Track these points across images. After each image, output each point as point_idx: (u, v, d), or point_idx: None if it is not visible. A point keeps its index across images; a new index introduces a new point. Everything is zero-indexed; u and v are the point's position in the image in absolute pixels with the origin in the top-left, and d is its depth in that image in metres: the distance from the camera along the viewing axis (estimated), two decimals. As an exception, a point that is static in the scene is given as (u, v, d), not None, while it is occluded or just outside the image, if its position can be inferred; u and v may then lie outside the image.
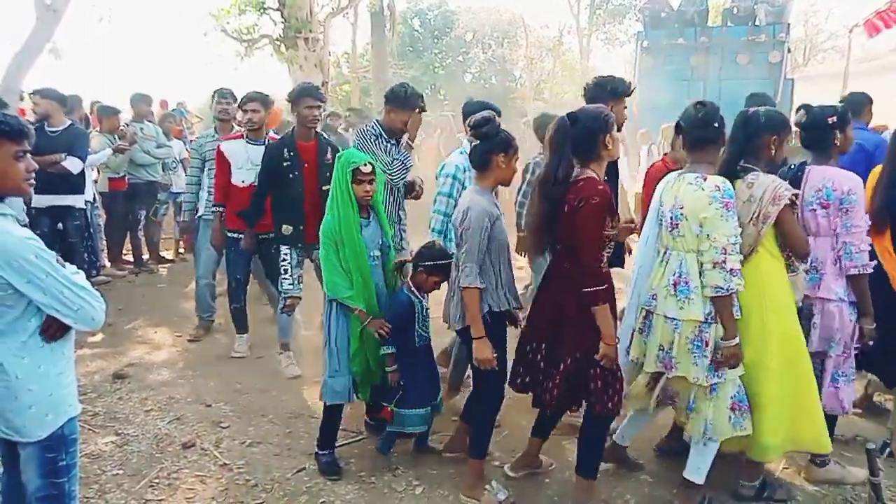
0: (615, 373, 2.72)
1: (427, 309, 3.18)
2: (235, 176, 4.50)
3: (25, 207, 4.93)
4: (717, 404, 2.68)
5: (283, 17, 13.54)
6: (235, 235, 4.51)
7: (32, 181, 1.93)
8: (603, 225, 2.59)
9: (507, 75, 24.43)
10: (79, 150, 5.54)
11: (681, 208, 2.64)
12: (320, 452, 3.21)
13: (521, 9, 26.05)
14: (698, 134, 2.71)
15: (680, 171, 2.81)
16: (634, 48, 12.31)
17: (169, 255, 7.80)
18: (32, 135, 1.95)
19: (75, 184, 5.59)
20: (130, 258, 7.24)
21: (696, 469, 2.81)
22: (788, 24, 10.94)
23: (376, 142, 3.73)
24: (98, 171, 6.74)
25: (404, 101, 3.72)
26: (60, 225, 5.57)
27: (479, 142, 2.85)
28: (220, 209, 4.53)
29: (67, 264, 1.94)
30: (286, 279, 4.17)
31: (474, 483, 2.99)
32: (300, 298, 4.27)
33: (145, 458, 3.29)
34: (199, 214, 5.04)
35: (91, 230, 6.00)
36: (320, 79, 13.61)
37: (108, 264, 6.98)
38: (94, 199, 6.44)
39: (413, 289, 3.13)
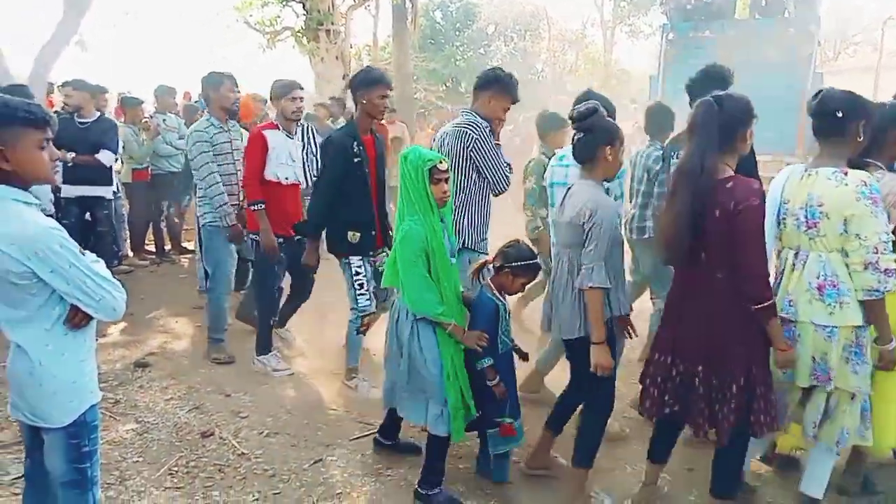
0: (772, 386, 2.50)
1: (509, 312, 3.00)
2: (278, 171, 4.10)
3: (53, 197, 5.00)
4: (853, 412, 2.57)
5: (305, 9, 13.59)
6: (280, 241, 4.11)
7: (57, 169, 1.93)
8: (763, 230, 2.39)
9: (528, 68, 24.25)
10: (110, 142, 5.67)
11: (819, 206, 2.45)
12: (432, 493, 2.84)
13: (543, 1, 25.79)
14: (818, 125, 2.56)
15: (805, 166, 2.62)
16: (659, 41, 12.10)
17: (190, 245, 7.86)
18: (56, 123, 1.96)
19: (105, 175, 5.70)
20: (152, 248, 7.31)
21: (819, 483, 2.70)
22: (819, 17, 10.67)
23: (490, 137, 3.49)
24: (122, 162, 6.82)
25: (509, 87, 3.46)
26: (88, 215, 5.67)
27: (582, 134, 2.72)
28: (261, 206, 4.02)
29: (87, 252, 1.95)
30: (363, 295, 3.77)
31: (576, 493, 2.89)
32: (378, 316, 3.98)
33: (165, 446, 3.32)
34: (205, 222, 4.39)
35: (114, 220, 6.09)
36: (341, 71, 13.65)
37: (130, 254, 7.07)
38: (118, 189, 6.52)
39: (495, 291, 2.91)
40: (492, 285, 2.92)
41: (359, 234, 3.70)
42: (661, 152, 4.06)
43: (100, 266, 1.95)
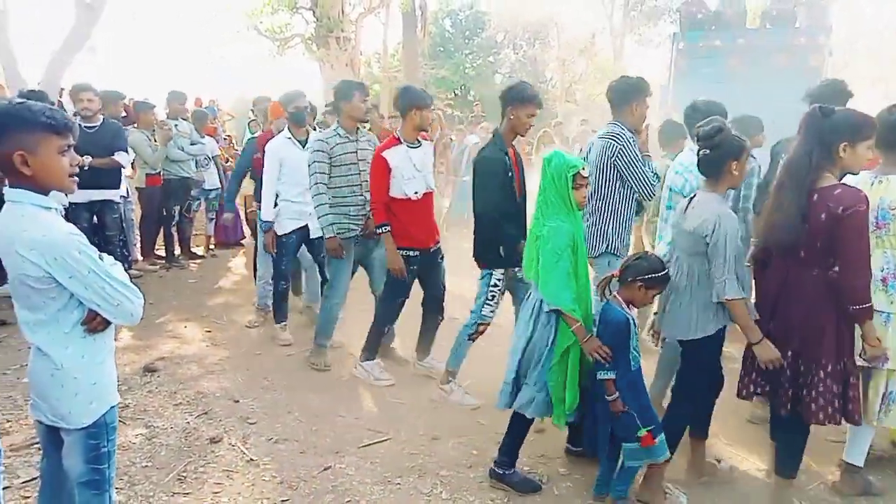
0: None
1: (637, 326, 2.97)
2: (405, 188, 3.99)
3: (66, 204, 5.02)
4: None
5: (315, 16, 13.68)
6: (412, 254, 4.07)
7: (76, 176, 1.94)
8: (868, 235, 2.60)
9: (538, 76, 24.26)
10: (123, 143, 5.73)
11: (892, 209, 2.76)
12: (507, 472, 3.01)
13: (553, 9, 25.79)
14: (886, 137, 2.80)
15: (874, 174, 2.88)
16: (670, 50, 12.09)
17: (200, 251, 7.89)
18: (77, 130, 1.97)
19: (114, 178, 5.74)
20: (161, 253, 7.33)
21: (860, 452, 2.97)
22: (830, 27, 10.64)
23: (635, 147, 3.66)
24: (134, 167, 6.86)
25: (648, 92, 3.74)
26: (96, 219, 5.70)
27: (709, 150, 2.80)
28: (387, 229, 3.99)
29: (105, 255, 1.96)
30: (490, 306, 3.84)
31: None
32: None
33: (174, 451, 3.31)
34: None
35: (124, 224, 6.12)
36: (351, 78, 13.68)
37: (140, 259, 7.10)
38: (128, 193, 6.55)
39: (623, 305, 2.85)
40: (619, 299, 2.87)
41: (506, 247, 3.69)
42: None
43: (118, 270, 1.96)
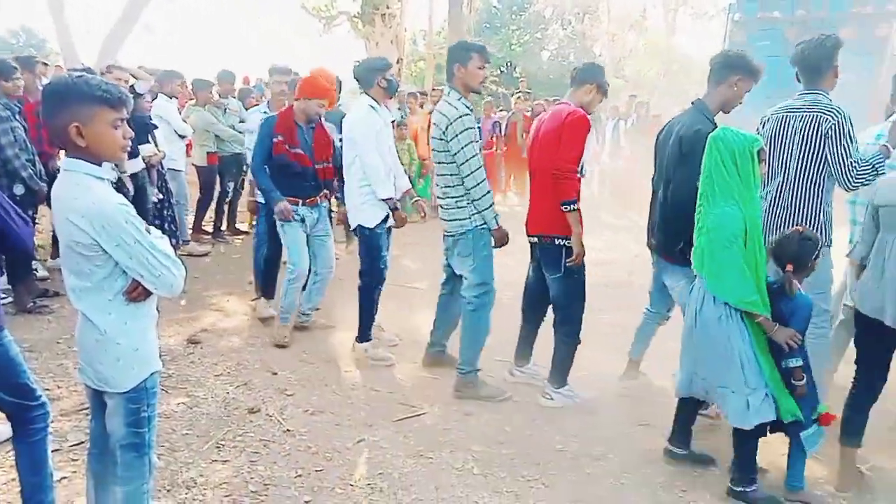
0: None
1: None
2: (584, 163, 3.61)
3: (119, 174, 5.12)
4: None
5: (361, -7, 13.63)
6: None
7: (127, 149, 1.99)
8: None
9: (586, 52, 23.75)
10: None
11: None
12: (749, 490, 2.79)
13: (603, -17, 25.12)
14: None
15: None
16: (725, 22, 11.63)
17: (244, 227, 8.03)
18: (131, 103, 2.02)
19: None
20: (208, 229, 7.49)
21: None
22: (899, -5, 10.04)
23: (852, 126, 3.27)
24: (192, 145, 6.98)
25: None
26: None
27: None
28: (577, 206, 3.46)
29: (153, 229, 2.00)
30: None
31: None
32: None
33: (213, 420, 3.39)
34: (474, 225, 3.64)
35: (171, 200, 6.25)
36: (395, 55, 13.66)
37: (189, 238, 7.18)
38: (184, 168, 6.70)
39: (800, 287, 2.74)
40: (798, 285, 2.73)
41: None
42: None
43: (163, 243, 2.00)
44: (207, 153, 6.95)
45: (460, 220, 3.65)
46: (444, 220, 3.74)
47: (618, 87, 20.34)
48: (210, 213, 7.46)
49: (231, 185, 7.32)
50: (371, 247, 4.17)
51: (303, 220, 4.42)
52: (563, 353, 3.69)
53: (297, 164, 4.30)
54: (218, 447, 3.14)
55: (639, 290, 5.79)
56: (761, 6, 10.74)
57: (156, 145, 5.93)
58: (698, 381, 2.90)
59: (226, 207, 7.47)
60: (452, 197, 3.64)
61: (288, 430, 3.31)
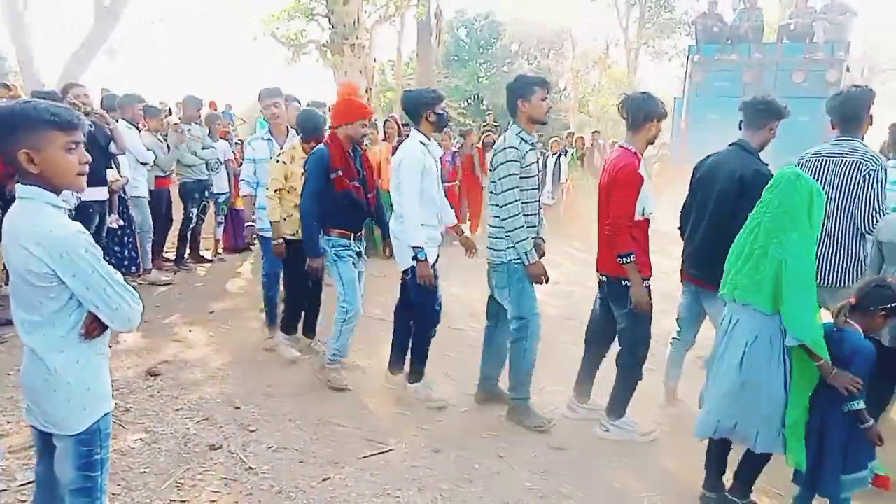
0: None
1: None
2: (646, 205, 3.49)
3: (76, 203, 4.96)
4: None
5: (330, 23, 13.73)
6: (647, 284, 3.58)
7: (85, 174, 1.91)
8: None
9: (552, 87, 24.28)
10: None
11: None
12: (743, 502, 2.93)
13: (568, 21, 25.83)
14: None
15: None
16: (685, 63, 12.04)
17: (208, 254, 7.89)
18: (84, 126, 1.94)
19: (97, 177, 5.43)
20: (170, 256, 7.33)
21: None
22: (848, 43, 10.55)
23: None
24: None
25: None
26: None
27: None
28: (632, 258, 3.45)
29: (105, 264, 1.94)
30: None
31: None
32: None
33: (173, 457, 3.28)
34: (508, 258, 3.65)
35: (132, 227, 6.12)
36: (364, 85, 13.73)
37: (150, 266, 6.98)
38: (149, 195, 6.56)
39: (861, 332, 2.71)
40: (856, 326, 2.71)
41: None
42: None
43: (119, 276, 1.93)
44: (156, 177, 6.83)
45: (497, 251, 3.70)
46: (487, 248, 3.79)
47: (582, 122, 20.79)
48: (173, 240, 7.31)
49: (194, 211, 7.20)
50: (426, 286, 3.89)
51: (358, 255, 4.22)
52: (623, 386, 3.69)
53: (358, 197, 4.12)
54: (177, 486, 3.03)
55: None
56: (720, 49, 11.16)
57: (118, 171, 5.83)
58: (725, 419, 2.85)
59: (189, 234, 7.33)
60: (495, 227, 3.70)
61: (250, 467, 3.22)
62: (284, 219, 4.45)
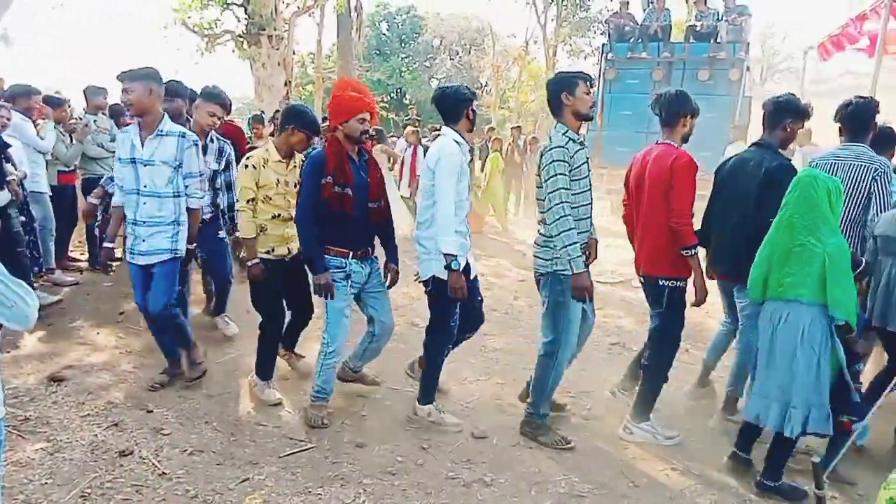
0: None
1: None
2: None
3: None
4: None
5: (246, 13, 13.36)
6: (681, 283, 3.70)
7: None
8: None
9: (473, 82, 24.53)
10: None
11: None
12: (777, 484, 3.19)
13: (489, 17, 26.12)
14: None
15: None
16: (599, 60, 12.43)
17: (118, 253, 7.49)
18: None
19: None
20: (76, 256, 6.93)
21: None
22: (748, 43, 11.18)
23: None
24: (46, 165, 6.44)
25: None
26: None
27: None
28: (696, 251, 3.55)
29: None
30: None
31: None
32: None
33: (78, 466, 3.10)
34: (554, 269, 3.44)
35: (34, 225, 5.73)
36: (283, 78, 13.43)
37: (53, 266, 6.59)
38: (51, 191, 6.15)
39: None
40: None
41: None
42: None
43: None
44: (59, 172, 6.42)
45: (542, 259, 3.50)
46: (534, 255, 3.60)
47: (503, 117, 21.09)
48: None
49: (100, 208, 6.80)
50: (445, 300, 3.58)
51: (347, 278, 3.61)
52: (647, 387, 3.69)
53: (345, 208, 3.54)
54: (83, 496, 2.87)
55: (527, 314, 6.00)
56: (631, 47, 11.58)
57: (14, 166, 5.44)
58: (772, 404, 3.14)
59: (97, 232, 6.92)
60: (542, 234, 3.51)
61: (163, 473, 3.09)
62: (258, 234, 3.89)
